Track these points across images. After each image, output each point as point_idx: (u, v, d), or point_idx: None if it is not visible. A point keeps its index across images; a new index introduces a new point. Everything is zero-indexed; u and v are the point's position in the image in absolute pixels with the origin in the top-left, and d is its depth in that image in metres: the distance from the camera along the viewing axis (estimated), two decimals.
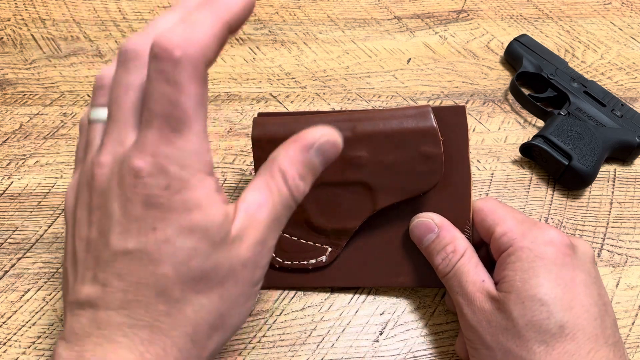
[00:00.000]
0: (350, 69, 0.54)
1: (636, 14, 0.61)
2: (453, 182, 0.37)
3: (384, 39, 0.57)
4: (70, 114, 0.49)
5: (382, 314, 0.40)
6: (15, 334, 0.37)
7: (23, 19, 0.56)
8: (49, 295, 0.39)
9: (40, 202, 0.43)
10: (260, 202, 0.27)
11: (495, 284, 0.33)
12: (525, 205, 0.46)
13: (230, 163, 0.47)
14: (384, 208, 0.37)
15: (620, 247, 0.44)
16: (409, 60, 0.55)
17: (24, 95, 0.50)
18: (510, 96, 0.53)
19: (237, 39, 0.56)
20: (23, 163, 0.45)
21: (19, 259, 0.41)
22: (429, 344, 0.39)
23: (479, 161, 0.48)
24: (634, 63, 0.57)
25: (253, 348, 0.38)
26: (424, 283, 0.39)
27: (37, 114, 0.49)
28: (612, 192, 0.47)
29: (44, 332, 0.37)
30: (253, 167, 0.46)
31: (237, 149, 0.48)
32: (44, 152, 0.46)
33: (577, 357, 0.30)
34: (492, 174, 0.48)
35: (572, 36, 0.59)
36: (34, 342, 0.37)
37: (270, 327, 0.39)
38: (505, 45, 0.56)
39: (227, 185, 0.45)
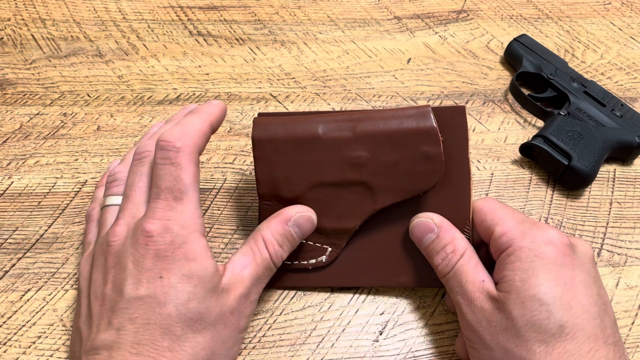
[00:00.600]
0: (350, 69, 0.54)
1: (636, 14, 0.61)
2: (453, 182, 0.37)
3: (384, 39, 0.57)
4: (71, 114, 0.49)
5: (382, 314, 0.40)
6: (15, 333, 0.37)
7: (23, 19, 0.56)
8: (49, 295, 0.39)
9: (40, 202, 0.43)
10: (245, 264, 0.34)
11: (495, 283, 0.33)
12: (525, 205, 0.46)
13: (230, 163, 0.47)
14: (384, 208, 0.37)
15: (620, 247, 0.44)
16: (409, 60, 0.55)
17: (24, 95, 0.50)
18: (510, 96, 0.53)
19: (237, 39, 0.56)
20: (23, 163, 0.45)
21: (19, 259, 0.41)
22: (429, 344, 0.39)
23: (479, 161, 0.48)
24: (633, 63, 0.57)
25: (253, 348, 0.38)
26: (424, 283, 0.39)
27: (37, 114, 0.49)
28: (612, 192, 0.47)
29: (44, 332, 0.37)
30: (253, 167, 0.46)
31: (237, 149, 0.48)
32: (44, 152, 0.46)
33: (577, 357, 0.30)
34: (492, 174, 0.48)
35: (572, 36, 0.59)
36: (34, 342, 0.37)
37: (270, 327, 0.39)
38: (505, 45, 0.56)
39: (227, 185, 0.45)
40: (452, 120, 0.37)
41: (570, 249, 0.33)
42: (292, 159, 0.37)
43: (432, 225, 0.36)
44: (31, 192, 0.44)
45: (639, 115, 0.49)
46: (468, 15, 0.60)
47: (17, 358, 0.36)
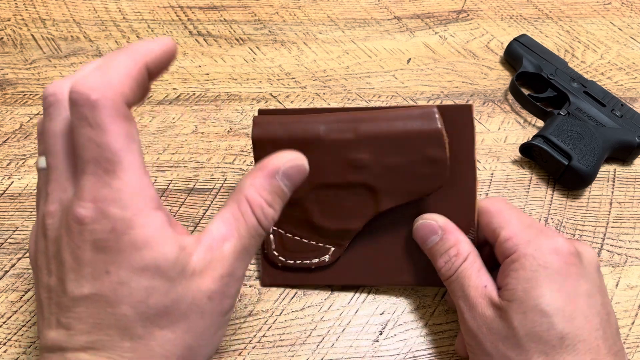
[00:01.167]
0: (350, 69, 0.54)
1: (636, 14, 0.61)
2: (458, 183, 0.37)
3: (384, 39, 0.57)
4: None
5: (382, 313, 0.40)
6: (15, 333, 0.37)
7: (23, 19, 0.56)
8: None
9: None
10: (225, 235, 0.27)
11: (499, 289, 0.33)
12: (525, 205, 0.46)
13: (230, 163, 0.47)
14: (388, 209, 0.37)
15: (620, 247, 0.44)
16: (409, 60, 0.55)
17: (24, 95, 0.50)
18: (510, 96, 0.53)
19: (237, 39, 0.56)
20: (23, 163, 0.45)
21: (19, 259, 0.41)
22: (429, 344, 0.39)
23: (479, 161, 0.48)
24: (633, 63, 0.57)
25: (253, 348, 0.38)
26: (427, 282, 0.38)
27: (37, 114, 0.49)
28: (612, 192, 0.47)
29: None
30: (253, 167, 0.46)
31: (237, 149, 0.48)
32: None
33: None
34: (492, 174, 0.48)
35: (572, 36, 0.59)
36: (34, 342, 0.37)
37: (270, 327, 0.39)
38: (505, 45, 0.56)
39: (227, 185, 0.45)
40: (459, 120, 0.36)
41: (576, 257, 0.32)
42: None
43: (435, 227, 0.36)
44: (31, 192, 0.44)
45: (639, 115, 0.49)
46: (468, 15, 0.60)
47: (17, 358, 0.36)
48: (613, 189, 0.48)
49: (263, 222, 0.28)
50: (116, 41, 0.54)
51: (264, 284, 0.40)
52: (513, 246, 0.33)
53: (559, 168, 0.46)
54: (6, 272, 0.40)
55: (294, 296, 0.40)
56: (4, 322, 0.38)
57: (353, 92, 0.52)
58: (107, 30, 0.55)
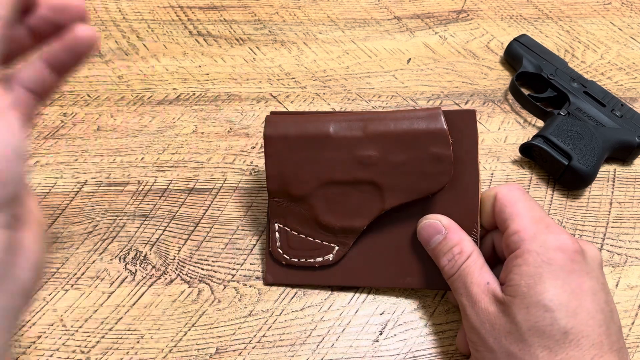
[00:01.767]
0: (350, 69, 0.54)
1: (636, 14, 0.61)
2: (462, 185, 0.38)
3: (384, 39, 0.57)
4: (71, 114, 0.49)
5: (382, 313, 0.40)
6: (15, 333, 0.37)
7: None
8: (49, 295, 0.39)
9: (40, 202, 0.43)
10: None
11: (502, 284, 0.33)
12: None
13: (231, 163, 0.47)
14: (393, 208, 0.37)
15: (620, 247, 0.44)
16: (409, 60, 0.55)
17: None
18: (510, 96, 0.53)
19: (237, 39, 0.56)
20: None
21: None
22: (429, 344, 0.39)
23: (479, 161, 0.48)
24: (633, 63, 0.57)
25: (253, 348, 0.38)
26: (431, 285, 0.39)
27: (37, 114, 0.49)
28: (612, 192, 0.47)
29: (44, 332, 0.37)
30: (253, 167, 0.46)
31: (237, 149, 0.48)
32: (44, 152, 0.46)
33: None
34: (492, 174, 0.48)
35: (572, 36, 0.59)
36: (34, 342, 0.37)
37: (270, 327, 0.39)
38: (505, 45, 0.56)
39: (227, 185, 0.45)
40: (462, 124, 0.37)
41: (580, 255, 0.33)
42: (302, 156, 0.37)
43: (439, 226, 0.36)
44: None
45: (639, 115, 0.49)
46: (468, 15, 0.60)
47: (17, 358, 0.36)
48: (613, 189, 0.48)
49: None
50: (116, 41, 0.54)
51: (267, 282, 0.40)
52: (518, 240, 0.33)
53: (559, 168, 0.46)
54: None
55: (294, 296, 0.40)
56: None
57: (353, 92, 0.52)
58: (107, 30, 0.55)
